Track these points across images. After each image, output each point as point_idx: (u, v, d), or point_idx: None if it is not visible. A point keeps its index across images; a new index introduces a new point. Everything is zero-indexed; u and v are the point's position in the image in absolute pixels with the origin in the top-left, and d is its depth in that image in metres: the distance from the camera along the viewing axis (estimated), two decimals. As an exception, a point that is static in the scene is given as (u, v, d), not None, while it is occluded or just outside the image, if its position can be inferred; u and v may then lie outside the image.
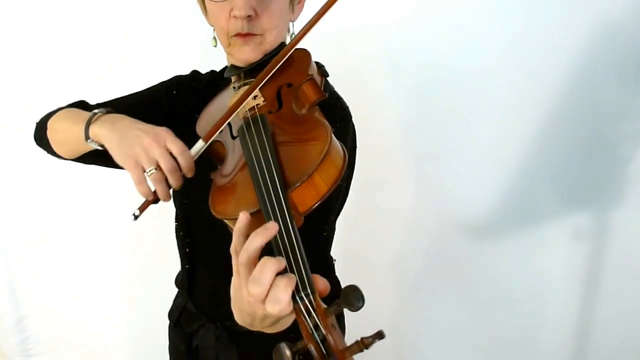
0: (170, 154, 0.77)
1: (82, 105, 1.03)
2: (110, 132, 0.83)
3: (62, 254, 2.11)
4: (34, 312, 2.26)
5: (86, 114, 0.89)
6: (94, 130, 0.85)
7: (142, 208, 0.80)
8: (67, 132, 0.92)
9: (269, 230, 0.59)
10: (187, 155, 0.78)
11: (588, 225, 1.71)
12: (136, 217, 0.80)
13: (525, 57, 1.61)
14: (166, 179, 0.77)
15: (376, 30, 1.68)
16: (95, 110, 0.89)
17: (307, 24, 0.86)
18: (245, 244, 0.58)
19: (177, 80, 1.10)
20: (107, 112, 0.89)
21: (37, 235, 2.09)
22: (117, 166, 0.87)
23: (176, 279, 1.18)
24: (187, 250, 1.08)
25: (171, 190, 1.05)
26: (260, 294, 0.54)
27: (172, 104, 1.06)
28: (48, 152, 1.03)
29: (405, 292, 1.93)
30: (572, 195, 1.72)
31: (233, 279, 0.60)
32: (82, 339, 2.24)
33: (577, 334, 1.82)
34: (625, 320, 1.77)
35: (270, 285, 0.54)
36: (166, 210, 1.08)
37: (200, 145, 0.81)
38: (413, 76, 1.71)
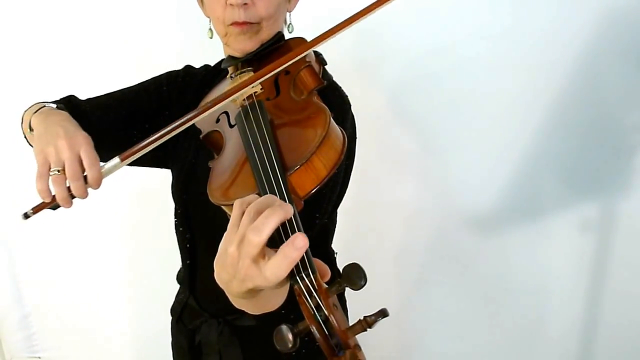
0: (82, 163, 0.77)
1: (68, 101, 1.03)
2: (39, 124, 0.85)
3: (65, 251, 2.11)
4: (39, 309, 2.27)
5: (39, 106, 0.90)
6: (33, 121, 0.87)
7: (37, 209, 0.79)
8: (25, 125, 0.93)
9: (287, 206, 0.55)
10: (96, 169, 0.77)
11: (594, 217, 1.68)
12: (27, 217, 0.79)
13: (529, 46, 1.59)
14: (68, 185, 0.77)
15: (375, 19, 1.66)
16: (44, 102, 0.90)
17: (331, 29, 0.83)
18: (262, 197, 0.55)
19: (167, 77, 1.09)
20: (57, 107, 0.90)
21: (40, 233, 2.09)
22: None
23: (177, 275, 1.18)
24: (188, 245, 1.06)
25: (170, 187, 1.06)
26: (258, 243, 0.51)
27: (161, 100, 1.06)
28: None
29: (408, 286, 1.92)
30: (577, 186, 1.69)
31: (226, 233, 0.56)
32: (87, 335, 2.25)
33: (583, 328, 1.80)
34: (632, 314, 1.75)
35: (276, 255, 0.51)
36: (169, 205, 1.08)
37: (114, 163, 0.79)
38: (414, 66, 1.69)
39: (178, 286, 1.18)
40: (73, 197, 0.78)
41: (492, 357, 1.90)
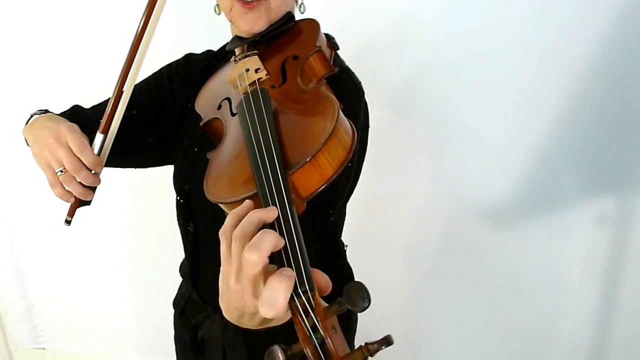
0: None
1: (73, 111, 1.01)
2: (28, 136, 0.85)
3: (69, 243, 2.12)
4: (43, 301, 2.31)
5: (26, 120, 0.90)
6: (25, 136, 0.87)
7: (70, 212, 0.80)
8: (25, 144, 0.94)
9: (270, 211, 0.53)
10: (87, 152, 0.76)
11: (610, 211, 1.63)
12: (69, 222, 0.80)
13: (546, 36, 1.53)
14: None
15: (389, 9, 1.62)
16: (32, 113, 0.89)
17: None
18: (243, 219, 0.51)
19: (167, 69, 1.07)
20: (43, 113, 0.89)
21: (44, 224, 2.10)
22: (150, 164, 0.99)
23: (180, 267, 1.15)
24: (190, 238, 1.03)
25: (172, 176, 1.02)
26: (257, 262, 0.47)
27: (163, 94, 1.03)
28: None
29: (418, 280, 1.89)
30: (594, 180, 1.64)
31: (221, 268, 0.53)
32: (91, 326, 2.28)
33: (598, 324, 1.76)
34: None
35: (266, 286, 0.47)
36: (173, 195, 1.04)
37: (100, 139, 0.77)
38: (429, 57, 1.64)
39: (181, 278, 1.15)
40: (90, 187, 0.78)
41: (504, 352, 1.88)
